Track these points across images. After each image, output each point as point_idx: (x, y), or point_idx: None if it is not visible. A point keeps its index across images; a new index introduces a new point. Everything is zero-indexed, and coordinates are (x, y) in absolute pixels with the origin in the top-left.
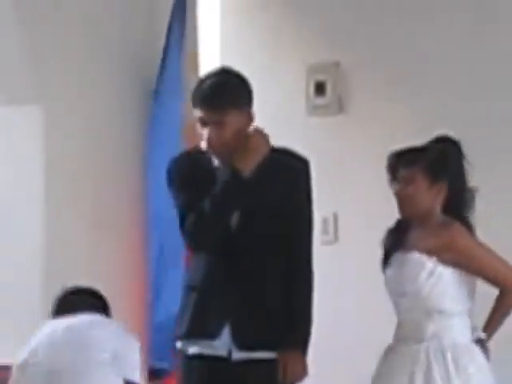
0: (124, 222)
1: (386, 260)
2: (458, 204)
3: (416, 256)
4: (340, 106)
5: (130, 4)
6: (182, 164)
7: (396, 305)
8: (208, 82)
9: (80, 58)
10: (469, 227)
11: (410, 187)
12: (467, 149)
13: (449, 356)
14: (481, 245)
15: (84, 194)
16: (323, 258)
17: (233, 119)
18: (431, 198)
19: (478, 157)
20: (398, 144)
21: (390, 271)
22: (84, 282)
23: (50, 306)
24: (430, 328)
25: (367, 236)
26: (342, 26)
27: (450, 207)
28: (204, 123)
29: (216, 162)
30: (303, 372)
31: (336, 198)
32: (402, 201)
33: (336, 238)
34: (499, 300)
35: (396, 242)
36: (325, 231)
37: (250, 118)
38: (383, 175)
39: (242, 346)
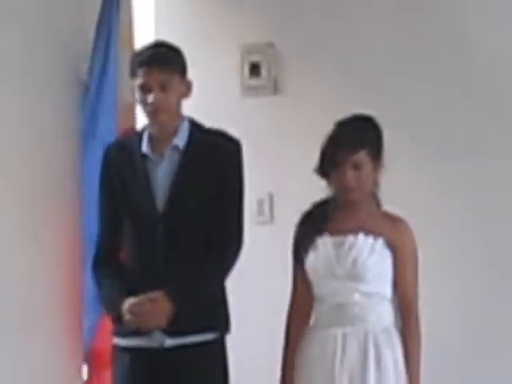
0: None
1: (308, 244)
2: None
3: (364, 238)
4: (275, 87)
5: None
6: (111, 158)
7: (327, 287)
8: (150, 48)
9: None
10: (378, 202)
11: (362, 172)
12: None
13: (393, 336)
14: (417, 255)
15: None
16: (259, 238)
17: (176, 84)
18: (374, 179)
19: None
20: (332, 125)
21: (321, 253)
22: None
23: None
24: (372, 311)
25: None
26: (277, 6)
27: None
28: (147, 89)
29: (145, 146)
30: (163, 317)
31: (271, 178)
32: (352, 187)
33: (271, 219)
34: (405, 337)
35: (319, 225)
36: (260, 212)
37: (189, 89)
38: (317, 156)
39: (173, 333)
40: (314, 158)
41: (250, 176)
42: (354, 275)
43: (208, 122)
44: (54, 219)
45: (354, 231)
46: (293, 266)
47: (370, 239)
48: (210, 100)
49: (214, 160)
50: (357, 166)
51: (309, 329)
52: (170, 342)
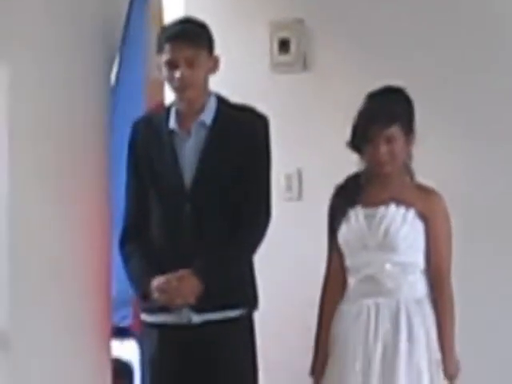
0: (88, 190)
1: (341, 216)
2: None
3: (396, 208)
4: (304, 64)
5: None
6: (138, 134)
7: (359, 258)
8: (176, 24)
9: (43, 21)
10: (412, 174)
11: (395, 146)
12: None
13: (426, 308)
14: (451, 227)
15: (49, 159)
16: (287, 214)
17: (204, 60)
18: (406, 152)
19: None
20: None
21: (353, 225)
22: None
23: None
24: (405, 282)
25: (331, 193)
26: None
27: None
28: (174, 65)
29: (172, 122)
30: (190, 294)
31: (300, 154)
32: (385, 160)
33: (300, 195)
34: (438, 309)
35: (352, 197)
36: (288, 188)
37: (216, 65)
38: (347, 132)
39: (201, 309)
40: (343, 134)
41: (279, 152)
42: (386, 245)
43: (237, 98)
44: (81, 193)
45: (386, 202)
46: (328, 239)
47: (402, 209)
48: (240, 76)
49: (241, 136)
50: (390, 140)
51: (342, 302)
52: (197, 318)
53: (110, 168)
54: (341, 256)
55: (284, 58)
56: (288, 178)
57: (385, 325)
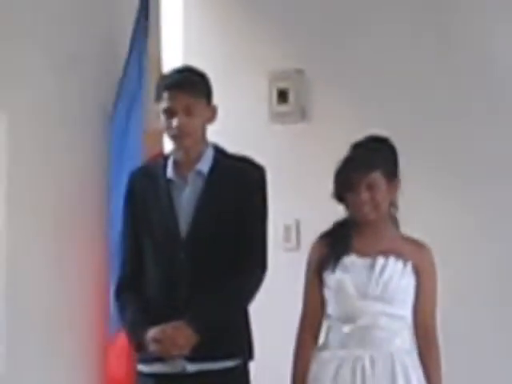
0: (87, 233)
1: (334, 263)
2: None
3: (395, 261)
4: (302, 114)
5: (90, 12)
6: (135, 184)
7: (353, 307)
8: (175, 73)
9: (40, 67)
10: (396, 223)
11: (376, 193)
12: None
13: (415, 359)
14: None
15: (44, 198)
16: (285, 265)
17: (201, 109)
18: (389, 198)
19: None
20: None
21: (351, 274)
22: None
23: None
24: (398, 333)
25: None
26: (305, 33)
27: None
28: (172, 113)
29: (170, 171)
30: (185, 345)
31: (298, 205)
32: (368, 207)
33: (298, 245)
34: (427, 363)
35: (344, 244)
36: (287, 238)
37: (214, 115)
38: None
39: (195, 359)
40: None
41: (277, 202)
42: (383, 297)
43: (235, 148)
44: (78, 243)
45: (384, 254)
46: (308, 285)
47: (400, 263)
48: (238, 126)
49: (238, 186)
50: (371, 187)
51: (318, 349)
52: (191, 367)
53: (107, 214)
54: (322, 302)
55: (282, 108)
56: (286, 228)
57: (380, 377)
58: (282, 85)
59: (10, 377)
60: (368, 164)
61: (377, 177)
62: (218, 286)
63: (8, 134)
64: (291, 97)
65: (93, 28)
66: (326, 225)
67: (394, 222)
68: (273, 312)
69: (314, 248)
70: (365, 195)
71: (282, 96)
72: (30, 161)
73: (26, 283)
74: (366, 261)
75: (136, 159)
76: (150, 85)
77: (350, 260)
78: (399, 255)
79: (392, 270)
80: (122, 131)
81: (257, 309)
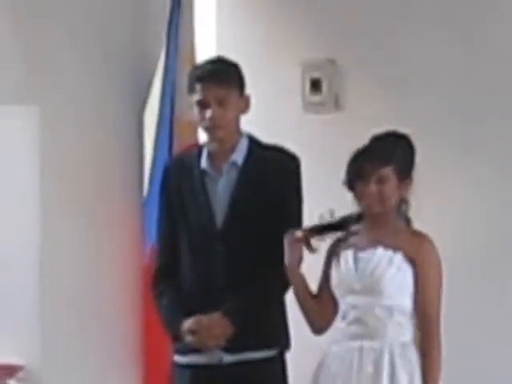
0: (120, 224)
1: (335, 259)
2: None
3: (383, 252)
4: (336, 104)
5: (121, 9)
6: (170, 175)
7: (347, 301)
8: (207, 64)
9: (73, 60)
10: (408, 220)
11: (385, 187)
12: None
13: (411, 352)
14: (441, 273)
15: (79, 197)
16: (320, 253)
17: (235, 100)
18: (398, 195)
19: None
20: None
21: (342, 268)
22: (79, 282)
23: (46, 307)
24: (391, 325)
25: None
26: (338, 22)
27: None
28: (205, 105)
29: (204, 162)
30: (221, 336)
31: (332, 194)
32: (375, 200)
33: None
34: (425, 355)
35: (345, 239)
36: None
37: (247, 105)
38: None
39: (232, 349)
40: None
41: (311, 192)
42: (372, 289)
43: (269, 138)
44: (111, 232)
45: (374, 245)
46: (321, 280)
47: (389, 252)
48: (271, 116)
49: (272, 176)
50: (381, 180)
51: (329, 344)
52: (228, 358)
53: (141, 207)
54: (332, 297)
55: (316, 97)
56: (320, 218)
57: (367, 368)
58: (315, 74)
59: (44, 371)
60: (382, 157)
61: (388, 172)
62: (254, 276)
63: (40, 128)
64: (324, 86)
65: (126, 26)
66: None
67: (405, 218)
68: None
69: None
70: (373, 187)
71: (315, 86)
72: (63, 155)
73: (60, 283)
74: (357, 254)
75: (167, 151)
76: (184, 76)
77: (345, 255)
78: (389, 245)
79: (378, 259)
80: (157, 123)
81: (292, 299)
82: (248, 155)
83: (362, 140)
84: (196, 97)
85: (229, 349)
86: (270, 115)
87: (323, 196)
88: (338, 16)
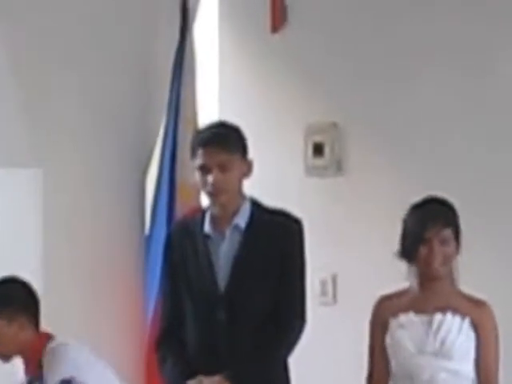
0: (121, 287)
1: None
2: None
3: (452, 318)
4: (338, 167)
5: (124, 72)
6: (174, 240)
7: (414, 364)
8: (209, 129)
9: (79, 124)
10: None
11: (448, 249)
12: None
13: None
14: (498, 337)
15: (81, 254)
16: (322, 319)
17: (237, 164)
18: (455, 257)
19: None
20: (397, 205)
21: (409, 331)
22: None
23: None
24: None
25: (366, 298)
26: (341, 87)
27: None
28: (207, 169)
29: (207, 226)
30: None
31: (335, 259)
32: (439, 262)
33: (335, 300)
34: None
35: (402, 303)
36: (323, 293)
37: (250, 169)
38: (382, 236)
39: None
40: (378, 239)
41: (314, 256)
42: (442, 353)
43: (271, 201)
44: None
45: (441, 310)
46: (373, 344)
47: (458, 318)
48: (274, 179)
49: (276, 240)
50: (444, 242)
51: None
52: None
53: (143, 268)
54: (386, 361)
55: (318, 161)
56: (323, 282)
57: None
58: (318, 138)
59: None
60: (444, 219)
61: (450, 234)
62: (258, 340)
63: (44, 191)
64: (327, 150)
65: (131, 86)
66: (362, 279)
67: (453, 280)
68: (310, 366)
69: (376, 307)
70: (439, 249)
71: (318, 149)
72: (67, 215)
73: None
74: (422, 318)
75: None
76: (187, 139)
77: (407, 318)
78: (456, 311)
79: (449, 325)
80: (157, 186)
81: (295, 363)
82: (251, 219)
83: (365, 203)
84: (198, 162)
85: None
86: (272, 178)
87: (326, 260)
88: (339, 80)
